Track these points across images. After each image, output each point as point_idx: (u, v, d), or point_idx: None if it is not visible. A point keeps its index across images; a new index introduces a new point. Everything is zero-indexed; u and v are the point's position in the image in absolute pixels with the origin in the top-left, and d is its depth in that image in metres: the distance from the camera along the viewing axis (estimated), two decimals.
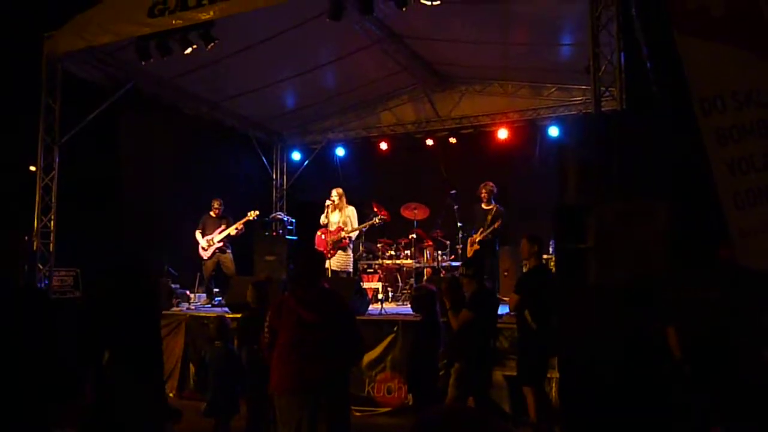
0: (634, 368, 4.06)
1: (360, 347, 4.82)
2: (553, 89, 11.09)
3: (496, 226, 8.73)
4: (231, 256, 10.00)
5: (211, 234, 9.93)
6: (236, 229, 9.94)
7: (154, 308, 3.81)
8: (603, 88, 6.71)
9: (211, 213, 10.12)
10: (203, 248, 9.94)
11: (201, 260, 10.03)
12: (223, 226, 9.97)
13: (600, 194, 5.04)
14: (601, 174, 5.12)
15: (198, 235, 10.00)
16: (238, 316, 6.30)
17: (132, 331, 3.44)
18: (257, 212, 10.16)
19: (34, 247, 8.81)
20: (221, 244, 9.91)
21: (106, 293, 3.71)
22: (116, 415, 3.26)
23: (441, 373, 5.95)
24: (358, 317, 5.89)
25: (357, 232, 9.64)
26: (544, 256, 9.20)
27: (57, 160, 9.17)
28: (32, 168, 9.52)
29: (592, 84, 6.76)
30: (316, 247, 9.19)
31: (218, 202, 10.16)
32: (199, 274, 10.47)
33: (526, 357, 5.82)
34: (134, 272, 3.81)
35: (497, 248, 9.02)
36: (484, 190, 9.06)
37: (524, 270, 7.72)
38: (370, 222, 9.52)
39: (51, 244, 9.04)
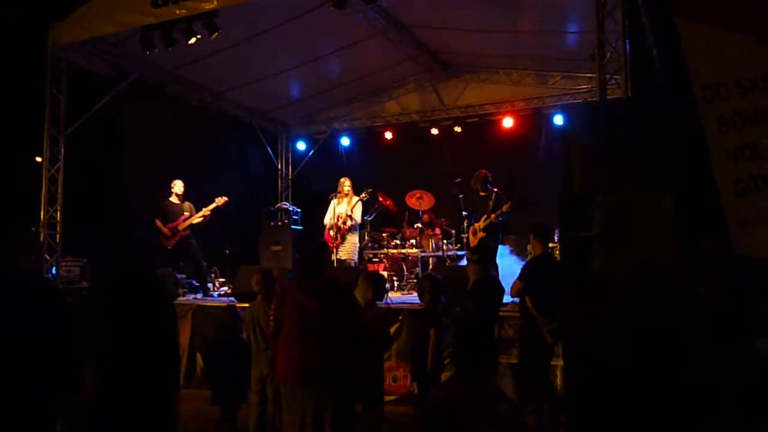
0: (638, 356, 4.05)
1: (363, 336, 4.81)
2: (559, 77, 11.04)
3: (504, 209, 8.42)
4: (194, 241, 9.45)
5: (174, 221, 9.35)
6: (203, 216, 9.40)
7: (162, 302, 3.75)
8: (608, 76, 6.67)
9: (172, 198, 9.47)
10: (165, 237, 9.29)
11: (164, 249, 9.30)
12: (186, 213, 9.37)
13: (605, 183, 5.01)
14: (606, 162, 5.10)
15: (158, 223, 9.31)
16: (246, 305, 6.31)
17: (134, 325, 3.40)
18: (226, 198, 9.56)
19: (41, 238, 8.85)
20: (187, 233, 9.35)
21: (110, 285, 3.68)
22: (114, 410, 3.23)
23: (446, 362, 5.96)
24: None
25: (360, 218, 9.61)
26: (550, 245, 9.18)
27: (63, 151, 9.19)
28: (38, 159, 9.55)
29: (597, 72, 6.71)
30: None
31: (180, 184, 9.49)
32: (204, 264, 10.34)
33: (528, 345, 5.84)
34: (138, 265, 3.79)
35: (501, 236, 8.96)
36: (472, 181, 9.00)
37: (529, 258, 7.71)
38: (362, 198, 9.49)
39: (57, 235, 9.08)
